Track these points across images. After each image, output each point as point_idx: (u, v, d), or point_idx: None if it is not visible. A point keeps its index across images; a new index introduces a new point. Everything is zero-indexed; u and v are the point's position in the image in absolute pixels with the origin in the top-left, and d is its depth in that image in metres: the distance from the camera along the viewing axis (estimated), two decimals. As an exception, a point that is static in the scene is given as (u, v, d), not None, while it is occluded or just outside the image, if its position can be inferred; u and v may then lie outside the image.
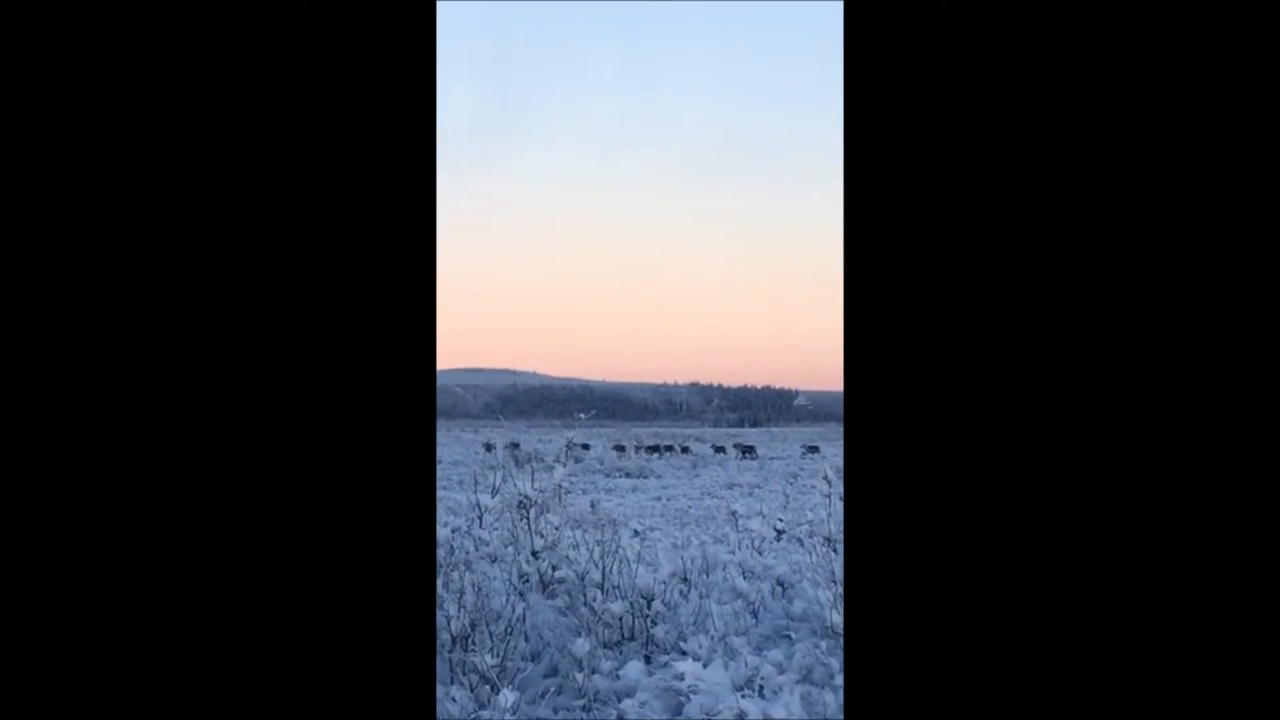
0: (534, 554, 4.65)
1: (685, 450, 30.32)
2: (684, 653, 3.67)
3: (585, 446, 28.80)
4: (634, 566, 4.31)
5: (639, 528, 8.25)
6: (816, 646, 3.71)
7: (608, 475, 21.13)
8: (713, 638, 3.84)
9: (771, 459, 28.40)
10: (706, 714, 3.07)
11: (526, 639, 3.87)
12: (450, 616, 3.58)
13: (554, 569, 4.63)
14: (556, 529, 4.78)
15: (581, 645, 3.60)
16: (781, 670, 3.49)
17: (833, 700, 3.26)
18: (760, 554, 5.80)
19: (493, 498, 4.97)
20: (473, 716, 3.10)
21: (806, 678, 3.50)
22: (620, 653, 3.94)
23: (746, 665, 3.37)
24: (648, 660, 3.82)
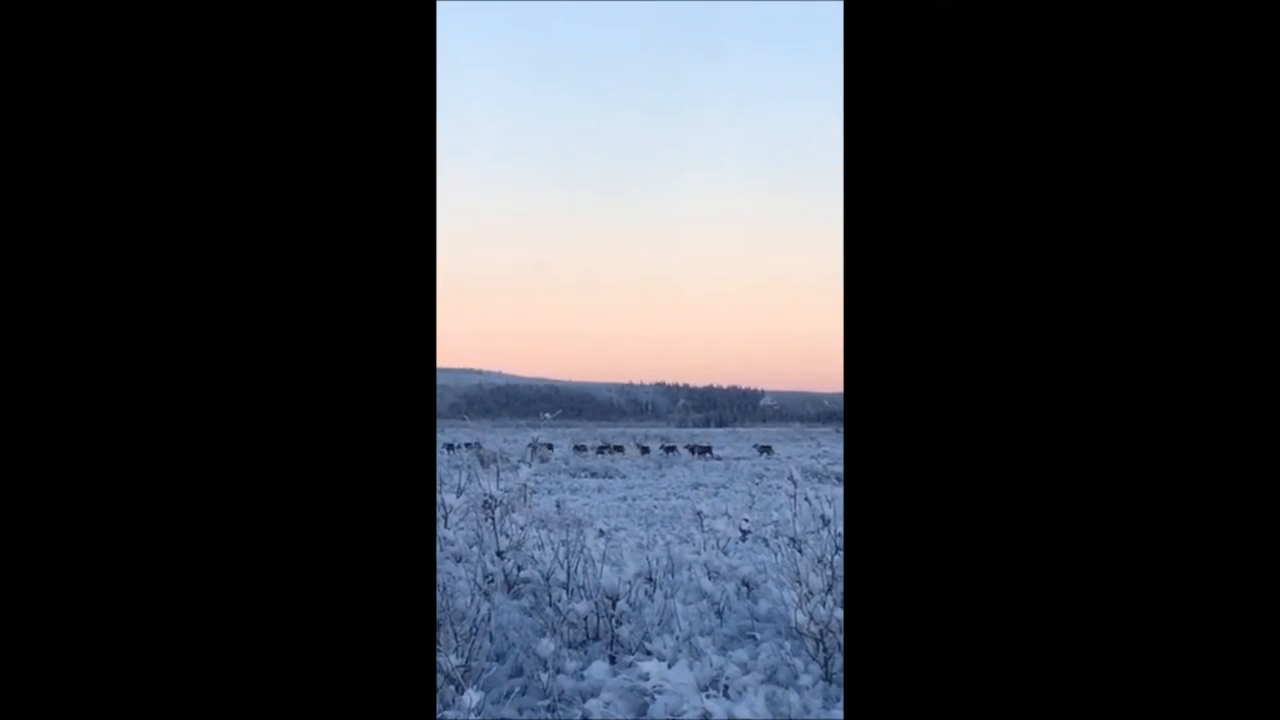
0: (499, 554, 4.64)
1: (644, 451, 30.29)
2: (649, 653, 3.67)
3: (550, 446, 28.75)
4: (599, 566, 4.31)
5: (604, 527, 8.23)
6: (781, 647, 3.73)
7: (573, 475, 21.06)
8: (678, 638, 3.84)
9: (737, 459, 28.47)
10: (671, 714, 3.08)
11: (491, 639, 3.85)
12: (414, 617, 3.55)
13: (519, 569, 4.62)
14: (522, 529, 4.77)
15: (546, 645, 3.59)
16: (746, 670, 3.50)
17: (797, 700, 3.28)
18: (725, 554, 5.80)
19: (458, 497, 4.95)
20: (438, 717, 3.08)
21: (771, 678, 3.52)
22: (585, 653, 3.94)
23: (711, 665, 3.38)
24: (612, 660, 3.81)
